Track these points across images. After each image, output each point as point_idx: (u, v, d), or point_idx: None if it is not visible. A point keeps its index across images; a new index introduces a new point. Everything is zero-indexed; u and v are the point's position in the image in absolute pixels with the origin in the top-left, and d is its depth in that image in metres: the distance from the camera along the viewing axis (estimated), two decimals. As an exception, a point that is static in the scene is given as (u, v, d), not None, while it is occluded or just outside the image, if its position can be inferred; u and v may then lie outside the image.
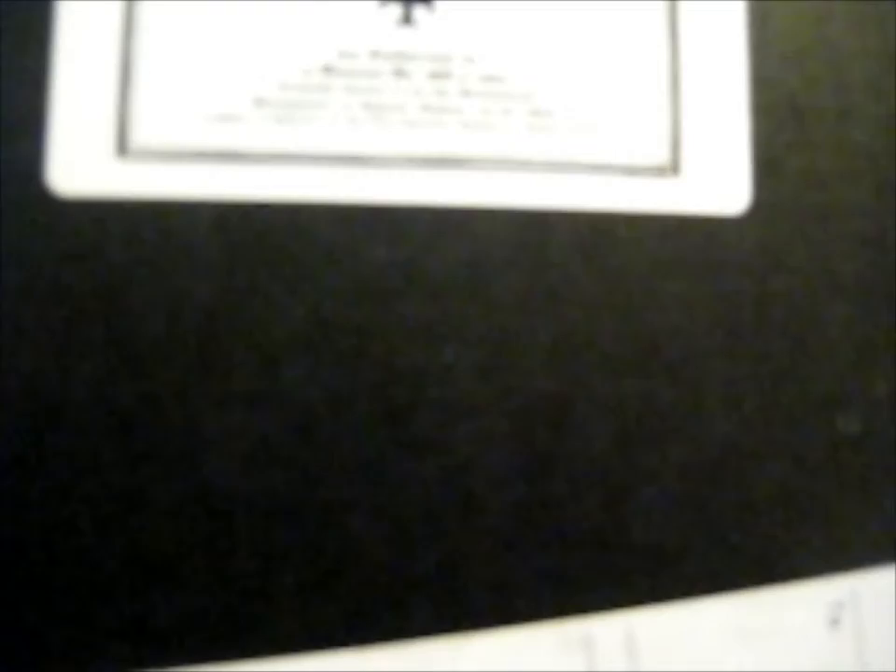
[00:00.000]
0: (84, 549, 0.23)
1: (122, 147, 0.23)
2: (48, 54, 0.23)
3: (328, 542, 0.23)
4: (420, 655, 0.23)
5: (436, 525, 0.23)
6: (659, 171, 0.24)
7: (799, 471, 0.25)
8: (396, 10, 0.24)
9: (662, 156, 0.24)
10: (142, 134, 0.23)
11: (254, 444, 0.23)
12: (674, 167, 0.24)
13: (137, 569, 0.23)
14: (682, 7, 0.25)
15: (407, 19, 0.24)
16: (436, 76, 0.24)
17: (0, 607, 0.22)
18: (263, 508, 0.23)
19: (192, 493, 0.23)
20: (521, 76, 0.24)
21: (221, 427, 0.23)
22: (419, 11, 0.24)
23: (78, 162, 0.23)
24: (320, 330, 0.23)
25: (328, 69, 0.23)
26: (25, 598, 0.22)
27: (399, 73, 0.24)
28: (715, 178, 0.24)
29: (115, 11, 0.23)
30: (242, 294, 0.23)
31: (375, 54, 0.24)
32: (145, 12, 0.23)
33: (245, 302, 0.23)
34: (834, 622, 0.25)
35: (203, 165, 0.23)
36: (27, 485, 0.23)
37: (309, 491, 0.23)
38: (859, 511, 0.25)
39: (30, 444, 0.23)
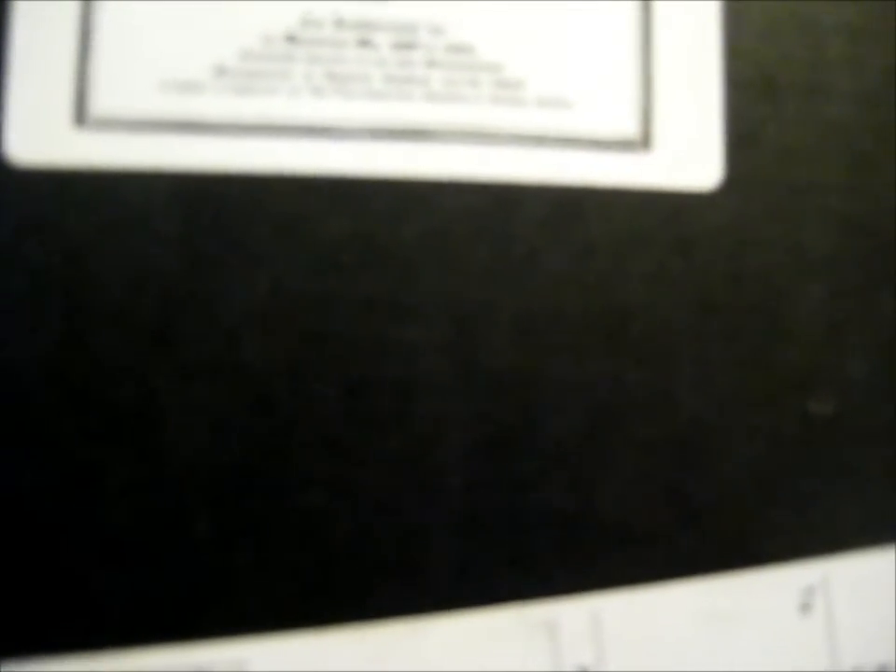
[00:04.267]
0: (39, 523, 0.22)
1: (81, 116, 0.23)
2: (4, 22, 0.23)
3: (285, 520, 0.23)
4: (380, 638, 0.23)
5: (396, 503, 0.23)
6: (629, 144, 0.24)
7: (770, 453, 0.24)
8: (361, -21, 0.23)
9: (632, 129, 0.24)
10: (101, 104, 0.23)
11: (211, 418, 0.23)
12: (645, 141, 0.24)
13: (92, 544, 0.22)
14: (655, -22, 0.24)
15: (372, -13, 0.23)
16: (401, 46, 0.23)
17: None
18: (220, 483, 0.23)
19: (148, 467, 0.22)
20: (488, 46, 0.23)
21: (178, 401, 0.23)
22: (385, -20, 0.23)
23: (36, 132, 0.23)
24: (280, 303, 0.23)
25: (290, 38, 0.23)
26: (-24, 574, 0.22)
27: (364, 42, 0.23)
28: (686, 153, 0.24)
29: (74, -23, 0.23)
30: (201, 266, 0.23)
31: (339, 23, 0.23)
32: (104, -21, 0.23)
33: (204, 274, 0.23)
34: (806, 607, 0.24)
35: (162, 135, 0.23)
36: (-20, 459, 0.22)
37: (266, 467, 0.23)
38: (831, 494, 0.24)
39: (-17, 417, 0.22)
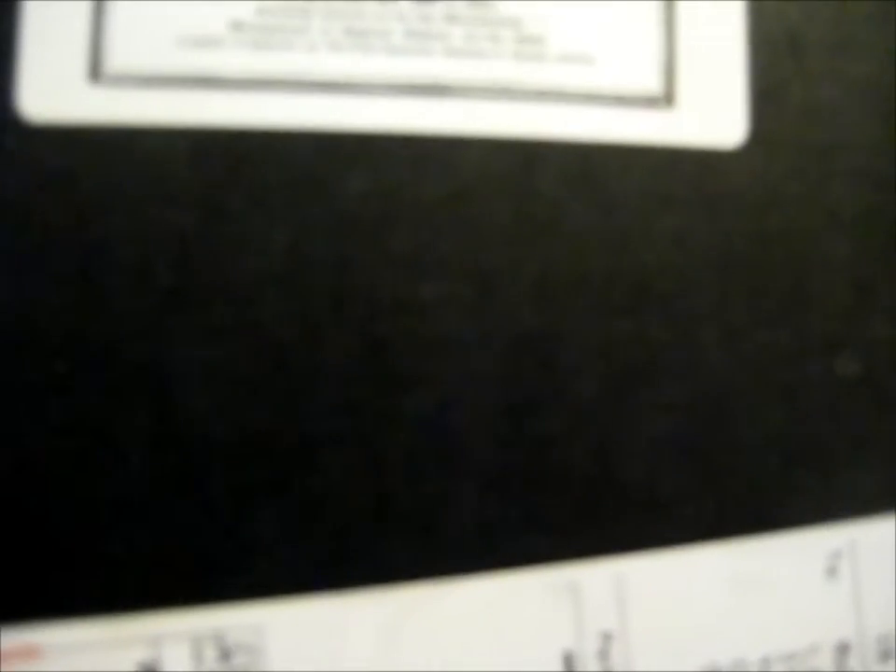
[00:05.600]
0: (49, 487, 0.22)
1: (96, 71, 0.22)
2: (19, -25, 0.22)
3: (304, 481, 0.22)
4: (401, 601, 0.23)
5: (417, 465, 0.23)
6: (653, 101, 0.23)
7: (796, 415, 0.24)
8: (380, -67, 0.23)
9: (656, 86, 0.23)
10: (116, 59, 0.22)
11: (229, 379, 0.22)
12: (668, 98, 0.24)
13: (106, 507, 0.22)
14: (678, -66, 0.24)
15: (391, -59, 0.23)
16: (421, 0, 0.23)
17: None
18: (238, 445, 0.22)
19: (164, 429, 0.22)
20: (509, 1, 0.23)
21: (196, 362, 0.22)
22: (404, -65, 0.23)
23: (51, 87, 0.22)
24: (298, 262, 0.23)
25: (308, -8, 0.23)
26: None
27: (383, -3, 0.23)
28: (710, 110, 0.24)
29: (89, -69, 0.22)
30: (218, 223, 0.22)
31: (358, -23, 0.23)
32: (120, -68, 0.22)
33: (220, 232, 0.22)
34: (832, 571, 0.24)
35: (178, 91, 0.22)
36: (-7, 420, 0.22)
37: (285, 428, 0.22)
38: (857, 457, 0.24)
39: (-4, 377, 0.22)
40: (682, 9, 0.24)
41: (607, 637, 0.23)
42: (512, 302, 0.23)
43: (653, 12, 0.24)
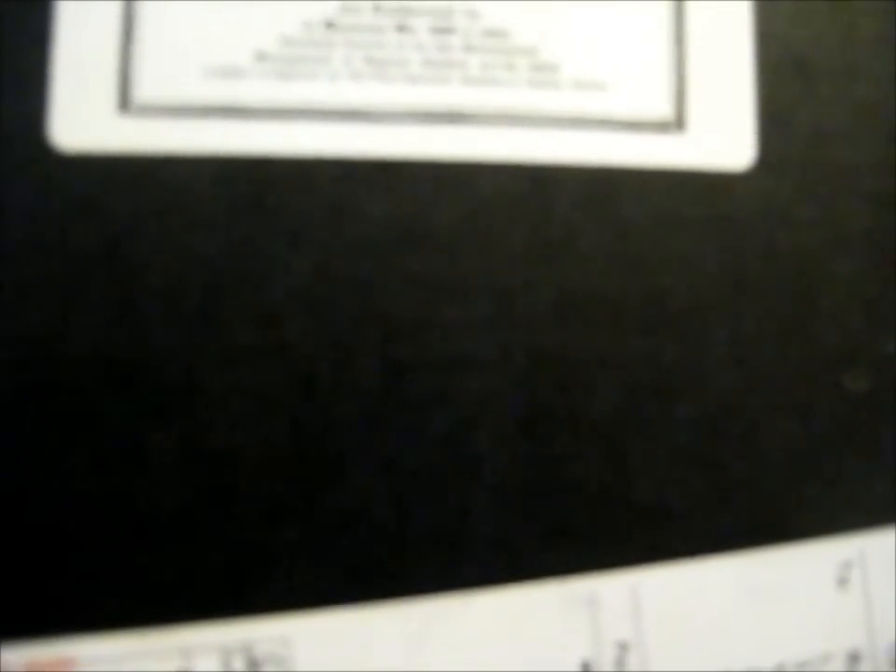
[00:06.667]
0: (83, 503, 0.23)
1: (124, 102, 0.23)
2: (50, 9, 0.23)
3: (328, 499, 0.23)
4: (422, 614, 0.23)
5: (438, 481, 0.23)
6: (663, 126, 0.24)
7: (806, 429, 0.24)
8: (398, -35, 0.24)
9: (666, 111, 0.24)
10: (144, 90, 0.23)
11: (255, 399, 0.23)
12: (679, 122, 0.24)
13: (136, 525, 0.23)
14: (687, -38, 0.24)
15: (409, -27, 0.24)
16: (438, 30, 0.24)
17: None
18: (264, 463, 0.23)
19: (193, 448, 0.23)
20: (524, 30, 0.24)
21: (222, 382, 0.23)
22: (422, -34, 0.24)
23: (81, 118, 0.23)
24: (322, 285, 0.23)
25: (329, 23, 0.23)
26: (22, 553, 0.22)
27: (402, 28, 0.24)
28: (720, 133, 0.24)
29: (117, -34, 0.23)
30: (243, 249, 0.23)
31: (378, 8, 0.24)
32: (147, -33, 0.23)
33: (246, 257, 0.23)
34: (843, 581, 0.24)
35: (204, 120, 0.23)
36: (27, 439, 0.22)
37: (310, 447, 0.23)
38: (866, 469, 0.24)
39: (31, 398, 0.23)
40: (692, 37, 0.24)
41: (623, 647, 0.24)
42: (529, 322, 0.24)
43: (664, 40, 0.24)
